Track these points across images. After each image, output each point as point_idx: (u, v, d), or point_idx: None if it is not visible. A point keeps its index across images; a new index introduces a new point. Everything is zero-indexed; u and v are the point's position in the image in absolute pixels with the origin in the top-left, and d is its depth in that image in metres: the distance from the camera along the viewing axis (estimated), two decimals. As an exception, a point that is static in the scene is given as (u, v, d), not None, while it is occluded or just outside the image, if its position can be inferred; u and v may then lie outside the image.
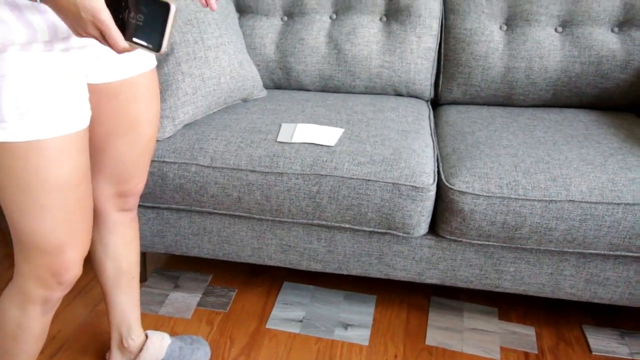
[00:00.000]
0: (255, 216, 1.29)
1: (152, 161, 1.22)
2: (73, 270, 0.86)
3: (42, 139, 0.74)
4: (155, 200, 1.30)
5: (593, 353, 1.29)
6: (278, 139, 1.26)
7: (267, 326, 1.36)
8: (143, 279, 1.55)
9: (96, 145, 0.93)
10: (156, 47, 0.61)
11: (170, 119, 1.25)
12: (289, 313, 1.40)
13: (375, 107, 1.49)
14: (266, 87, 1.65)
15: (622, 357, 1.27)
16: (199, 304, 1.44)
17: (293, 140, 1.26)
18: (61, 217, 0.83)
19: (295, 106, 1.48)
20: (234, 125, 1.33)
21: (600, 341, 1.32)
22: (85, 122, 0.81)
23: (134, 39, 0.61)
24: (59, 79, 0.76)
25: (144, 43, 0.62)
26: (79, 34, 0.61)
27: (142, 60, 0.92)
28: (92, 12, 0.57)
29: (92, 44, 0.81)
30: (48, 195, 0.80)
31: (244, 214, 1.30)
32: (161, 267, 1.63)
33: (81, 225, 0.86)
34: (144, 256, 1.52)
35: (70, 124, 0.77)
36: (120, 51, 0.61)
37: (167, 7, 0.59)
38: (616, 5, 1.47)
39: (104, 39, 0.60)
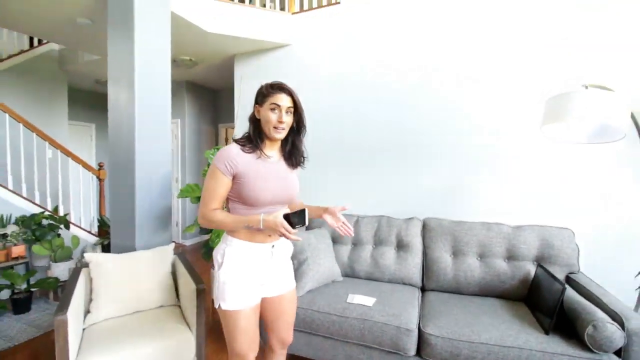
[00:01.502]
0: (334, 337, 1.70)
1: (300, 308, 1.84)
2: None
3: (237, 310, 1.09)
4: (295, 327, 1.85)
5: None
6: (347, 301, 1.77)
7: None
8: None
9: (269, 322, 1.25)
10: (303, 224, 0.98)
11: (302, 289, 1.85)
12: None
13: (393, 290, 1.90)
14: (343, 275, 2.12)
15: None
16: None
17: (354, 302, 1.75)
18: (245, 341, 1.12)
19: (355, 286, 1.93)
20: (327, 293, 1.85)
21: None
22: (255, 303, 1.13)
23: (296, 227, 0.96)
24: (247, 285, 1.10)
25: (299, 226, 0.97)
26: (276, 233, 0.99)
27: (287, 285, 1.23)
28: (280, 223, 0.96)
29: (268, 284, 1.18)
30: (239, 332, 1.11)
31: (328, 336, 1.71)
32: None
33: (253, 345, 1.15)
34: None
35: (250, 304, 1.11)
36: (292, 233, 0.97)
37: (304, 210, 1.00)
38: (504, 249, 1.95)
39: (285, 232, 0.96)
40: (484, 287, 1.94)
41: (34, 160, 3.23)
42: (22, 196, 3.06)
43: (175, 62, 3.68)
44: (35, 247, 2.77)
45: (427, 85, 2.61)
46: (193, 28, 2.83)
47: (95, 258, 1.85)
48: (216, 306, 1.11)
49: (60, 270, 2.92)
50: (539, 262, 1.92)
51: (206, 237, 4.82)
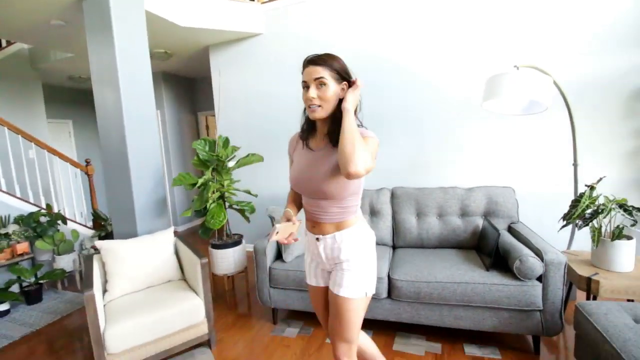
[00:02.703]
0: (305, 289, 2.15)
1: (290, 270, 2.21)
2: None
3: (306, 281, 1.20)
4: (285, 285, 2.12)
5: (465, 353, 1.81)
6: None
7: (326, 341, 2.00)
8: (275, 322, 2.25)
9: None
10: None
11: (290, 255, 2.17)
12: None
13: None
14: None
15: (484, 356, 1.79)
16: (298, 333, 2.10)
17: None
18: (314, 308, 1.21)
19: None
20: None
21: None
22: (316, 283, 1.15)
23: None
24: (307, 263, 1.17)
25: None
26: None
27: (337, 287, 1.04)
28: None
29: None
30: (312, 298, 1.20)
31: (303, 289, 1.97)
32: (284, 316, 2.28)
33: (320, 315, 1.19)
34: (275, 311, 2.23)
35: (311, 281, 1.17)
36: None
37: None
38: (458, 208, 2.31)
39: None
40: (443, 240, 2.31)
41: (23, 162, 3.35)
42: (16, 196, 3.19)
43: (150, 55, 3.77)
44: (39, 243, 2.96)
45: (394, 73, 2.88)
46: (166, 23, 2.96)
47: (106, 244, 2.10)
48: None
49: (65, 262, 3.14)
50: (486, 216, 2.30)
51: (198, 221, 5.07)
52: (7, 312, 2.71)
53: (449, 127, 2.71)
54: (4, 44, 4.07)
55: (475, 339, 1.93)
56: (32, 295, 2.86)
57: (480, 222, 2.29)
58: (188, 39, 3.43)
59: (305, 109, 1.03)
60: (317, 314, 1.21)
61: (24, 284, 2.90)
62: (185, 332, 1.91)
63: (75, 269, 3.22)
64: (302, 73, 0.97)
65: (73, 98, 5.51)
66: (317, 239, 1.06)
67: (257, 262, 2.22)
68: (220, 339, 2.14)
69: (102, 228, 3.53)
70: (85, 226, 3.75)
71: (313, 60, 0.95)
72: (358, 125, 0.98)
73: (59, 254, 3.12)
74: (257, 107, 3.51)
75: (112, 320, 1.75)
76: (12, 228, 2.97)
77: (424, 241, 2.35)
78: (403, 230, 2.42)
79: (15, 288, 2.91)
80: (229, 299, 2.64)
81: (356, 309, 1.03)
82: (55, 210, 3.48)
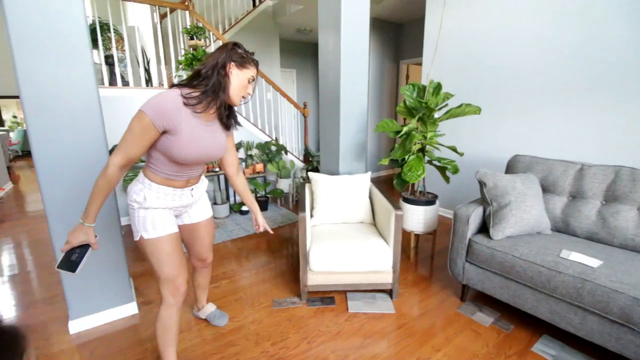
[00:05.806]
0: (537, 289, 1.59)
1: (498, 250, 1.83)
2: (183, 287, 1.23)
3: (159, 237, 1.16)
4: (487, 266, 1.79)
5: None
6: (560, 255, 1.57)
7: (531, 349, 1.59)
8: (463, 300, 1.99)
9: (189, 244, 1.44)
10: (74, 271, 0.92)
11: (500, 232, 1.77)
12: (545, 350, 1.61)
13: (628, 258, 1.54)
14: (552, 229, 1.91)
15: None
16: (492, 323, 1.78)
17: (570, 259, 1.54)
18: (171, 265, 1.20)
19: (569, 243, 1.69)
20: (532, 242, 1.70)
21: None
22: (174, 230, 1.21)
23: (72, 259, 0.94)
24: (165, 216, 1.19)
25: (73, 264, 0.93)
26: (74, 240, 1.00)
27: (203, 214, 1.40)
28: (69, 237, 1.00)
29: (183, 212, 1.34)
30: (165, 257, 1.18)
31: (530, 285, 1.61)
32: (473, 297, 2.02)
33: (181, 268, 1.23)
34: (465, 288, 1.94)
35: (169, 231, 1.18)
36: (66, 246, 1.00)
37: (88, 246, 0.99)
38: None
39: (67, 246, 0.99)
40: None
41: (264, 102, 4.19)
42: (258, 127, 4.08)
43: (369, -1, 3.69)
44: (270, 166, 3.73)
45: None
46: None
47: (316, 177, 2.33)
48: (137, 238, 1.19)
49: (284, 185, 3.87)
50: None
51: (384, 170, 5.14)
52: (247, 212, 3.63)
53: None
54: (257, 2, 4.97)
55: None
56: (261, 204, 3.71)
57: None
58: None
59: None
60: (175, 261, 1.24)
61: (258, 195, 3.78)
62: (371, 275, 1.95)
63: (290, 191, 3.92)
64: (251, 66, 1.14)
65: (298, 50, 6.39)
66: (192, 189, 1.28)
67: (454, 229, 1.94)
68: (401, 293, 2.08)
69: (310, 163, 4.09)
70: (298, 158, 4.46)
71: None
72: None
73: (280, 177, 3.86)
74: (476, 47, 2.88)
75: (316, 240, 1.96)
76: (254, 151, 3.85)
77: None
78: None
79: (253, 196, 3.84)
80: (412, 257, 2.52)
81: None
82: (281, 142, 4.26)
